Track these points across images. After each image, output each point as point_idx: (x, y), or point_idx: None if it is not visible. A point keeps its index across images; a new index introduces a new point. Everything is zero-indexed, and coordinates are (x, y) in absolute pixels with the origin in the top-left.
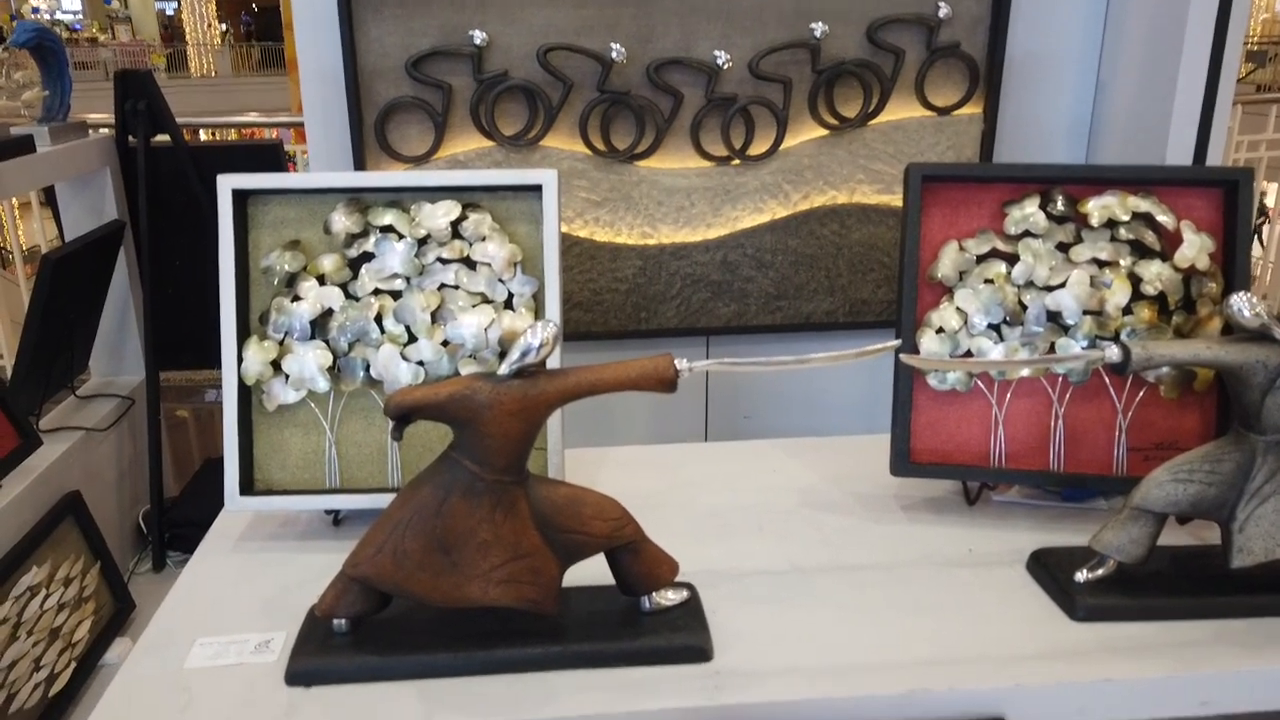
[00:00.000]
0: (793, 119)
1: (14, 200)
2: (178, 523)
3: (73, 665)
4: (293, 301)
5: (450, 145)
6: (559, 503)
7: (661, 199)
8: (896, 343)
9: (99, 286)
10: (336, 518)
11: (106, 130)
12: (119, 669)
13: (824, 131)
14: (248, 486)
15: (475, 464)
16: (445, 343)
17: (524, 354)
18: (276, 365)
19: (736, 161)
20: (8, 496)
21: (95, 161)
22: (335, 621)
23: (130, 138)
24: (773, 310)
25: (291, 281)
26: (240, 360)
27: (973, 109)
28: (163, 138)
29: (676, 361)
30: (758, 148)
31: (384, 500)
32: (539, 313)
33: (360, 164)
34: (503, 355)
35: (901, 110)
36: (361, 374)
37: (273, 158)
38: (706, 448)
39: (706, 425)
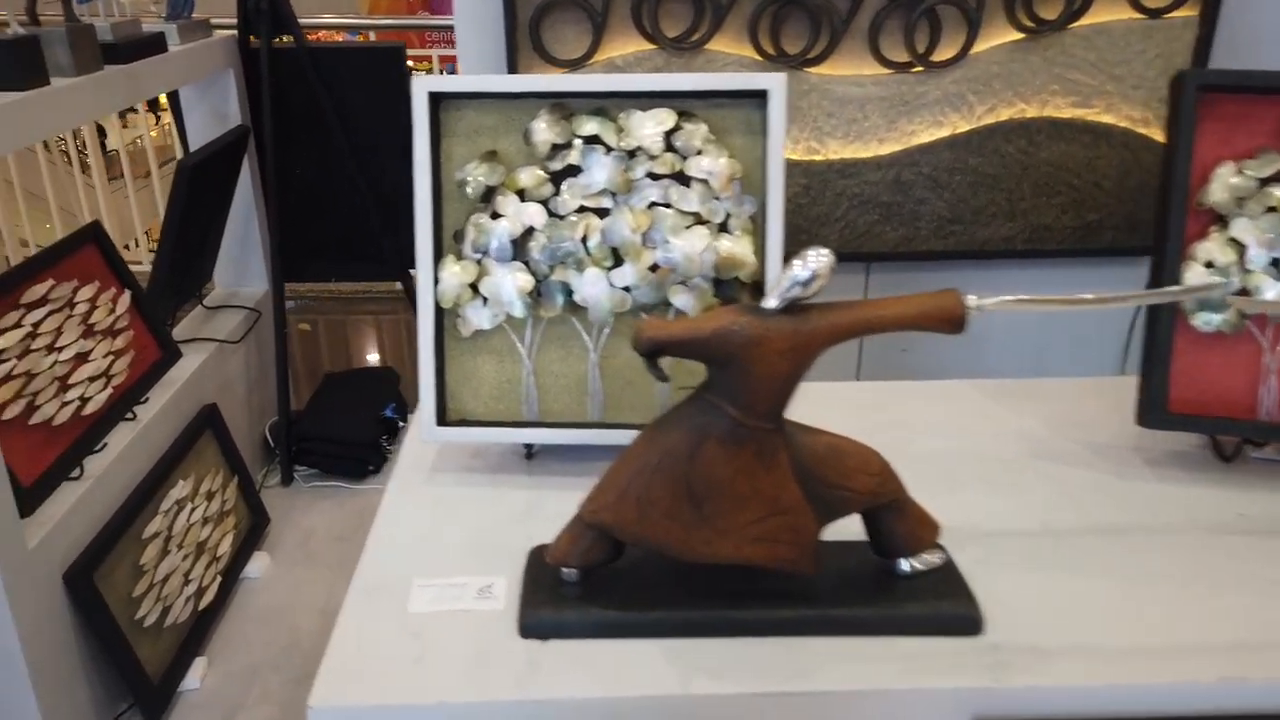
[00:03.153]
0: (985, 20)
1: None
2: (304, 437)
3: (218, 579)
4: (492, 218)
5: (608, 48)
6: (821, 453)
7: (832, 110)
8: (1222, 281)
9: (225, 195)
10: (530, 451)
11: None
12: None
13: (1018, 35)
14: (441, 416)
15: (736, 408)
16: (654, 267)
17: (795, 286)
18: (473, 288)
19: (918, 68)
20: (153, 409)
21: (219, 63)
22: (564, 570)
23: (252, 38)
24: (944, 235)
25: (488, 196)
26: (436, 281)
27: (1188, 11)
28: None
29: (965, 297)
30: (943, 53)
31: (582, 436)
32: (757, 235)
33: (512, 68)
34: (718, 282)
35: (1107, 11)
36: (561, 299)
37: (395, 61)
38: (901, 387)
39: (860, 360)
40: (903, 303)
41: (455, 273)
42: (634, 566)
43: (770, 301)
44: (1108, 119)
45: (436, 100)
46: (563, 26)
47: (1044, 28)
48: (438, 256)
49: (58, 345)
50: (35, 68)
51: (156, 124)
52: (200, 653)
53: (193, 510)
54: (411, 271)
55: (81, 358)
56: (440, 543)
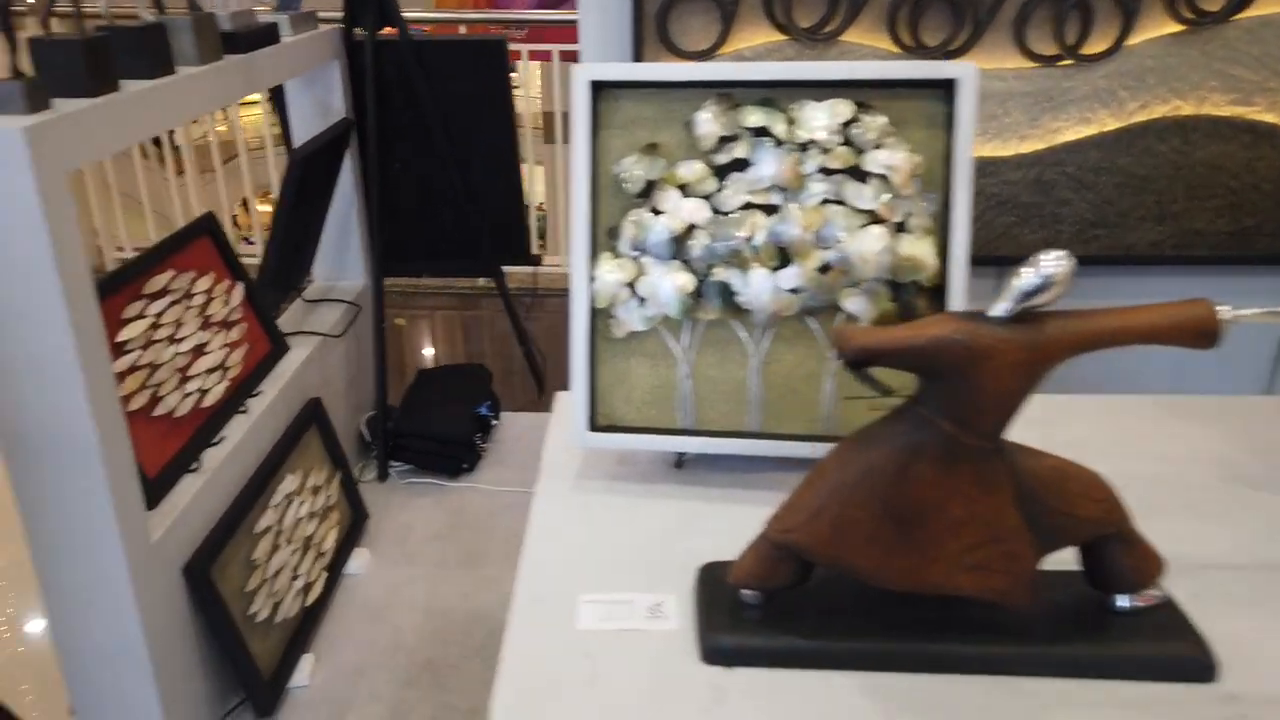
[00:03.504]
0: (1141, 11)
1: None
2: (400, 433)
3: (324, 575)
4: (652, 214)
5: (736, 39)
6: (1044, 476)
7: None
8: None
9: (329, 187)
10: (680, 460)
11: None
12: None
13: (1177, 27)
14: (592, 421)
15: (954, 424)
16: (824, 268)
17: (1030, 293)
18: (629, 287)
19: (1067, 61)
20: (264, 402)
21: (326, 55)
22: (745, 591)
23: (356, 30)
24: (1087, 240)
25: (646, 191)
26: (592, 279)
27: None
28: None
29: (1218, 308)
30: (1094, 45)
31: (740, 446)
32: (940, 236)
33: (638, 59)
34: (896, 286)
35: (1274, 2)
36: (721, 300)
37: (497, 55)
38: (1065, 402)
39: None
40: (1150, 312)
41: (612, 271)
42: (819, 590)
43: (998, 309)
44: (1270, 118)
45: (594, 91)
46: (690, 17)
47: (1205, 20)
48: (593, 254)
49: (178, 336)
50: (163, 56)
51: (224, 118)
52: (307, 649)
53: (300, 505)
54: (504, 268)
55: (200, 349)
56: (598, 555)
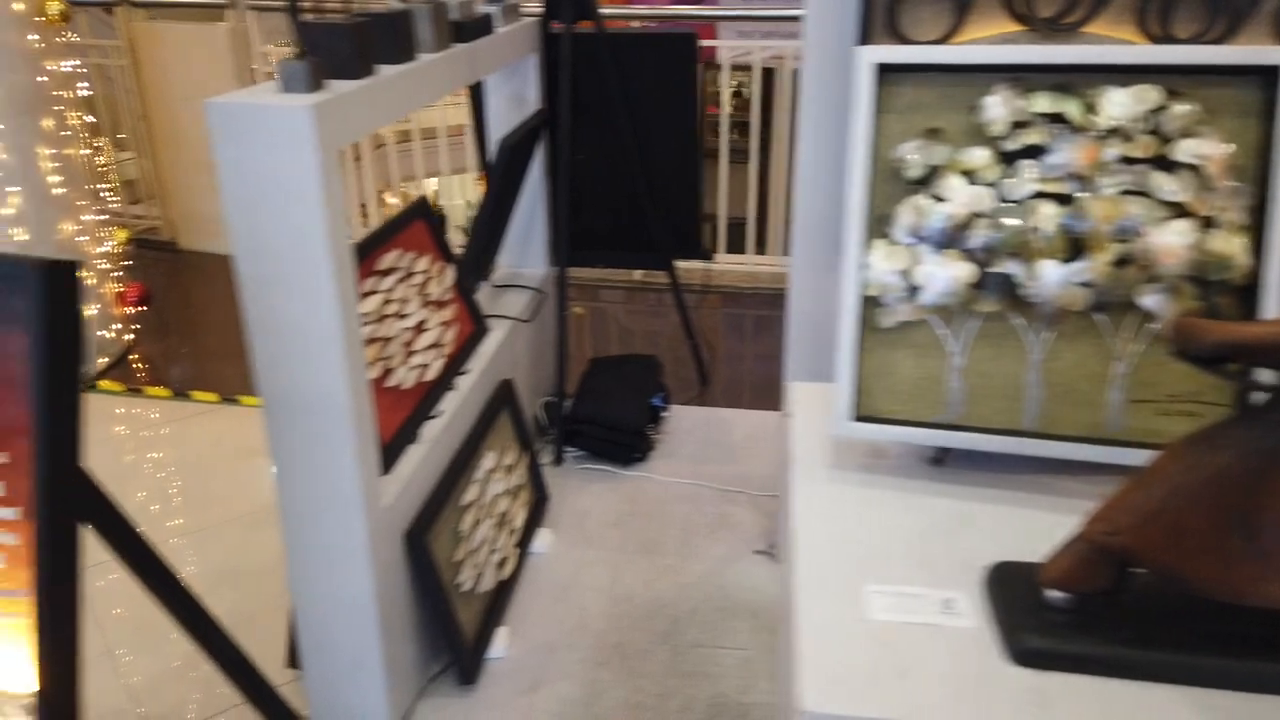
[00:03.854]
0: None
1: None
2: (577, 419)
3: (515, 552)
4: (933, 201)
5: (970, 29)
6: None
7: None
8: None
9: (523, 176)
10: (938, 456)
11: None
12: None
13: None
14: (853, 410)
15: None
16: (1121, 262)
17: None
18: (903, 275)
19: None
20: (469, 381)
21: (527, 46)
22: (1052, 594)
23: (553, 23)
24: None
25: (926, 177)
26: (864, 266)
27: None
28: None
29: None
30: None
31: (1015, 445)
32: (1255, 233)
33: None
34: (1201, 283)
35: None
36: (1001, 292)
37: (688, 49)
38: None
39: None
40: None
41: (885, 259)
42: (1132, 597)
43: None
44: None
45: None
46: (921, 6)
47: None
48: (865, 240)
49: (404, 313)
50: (408, 43)
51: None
52: (502, 623)
53: (497, 482)
54: (678, 262)
55: (420, 326)
56: (871, 546)
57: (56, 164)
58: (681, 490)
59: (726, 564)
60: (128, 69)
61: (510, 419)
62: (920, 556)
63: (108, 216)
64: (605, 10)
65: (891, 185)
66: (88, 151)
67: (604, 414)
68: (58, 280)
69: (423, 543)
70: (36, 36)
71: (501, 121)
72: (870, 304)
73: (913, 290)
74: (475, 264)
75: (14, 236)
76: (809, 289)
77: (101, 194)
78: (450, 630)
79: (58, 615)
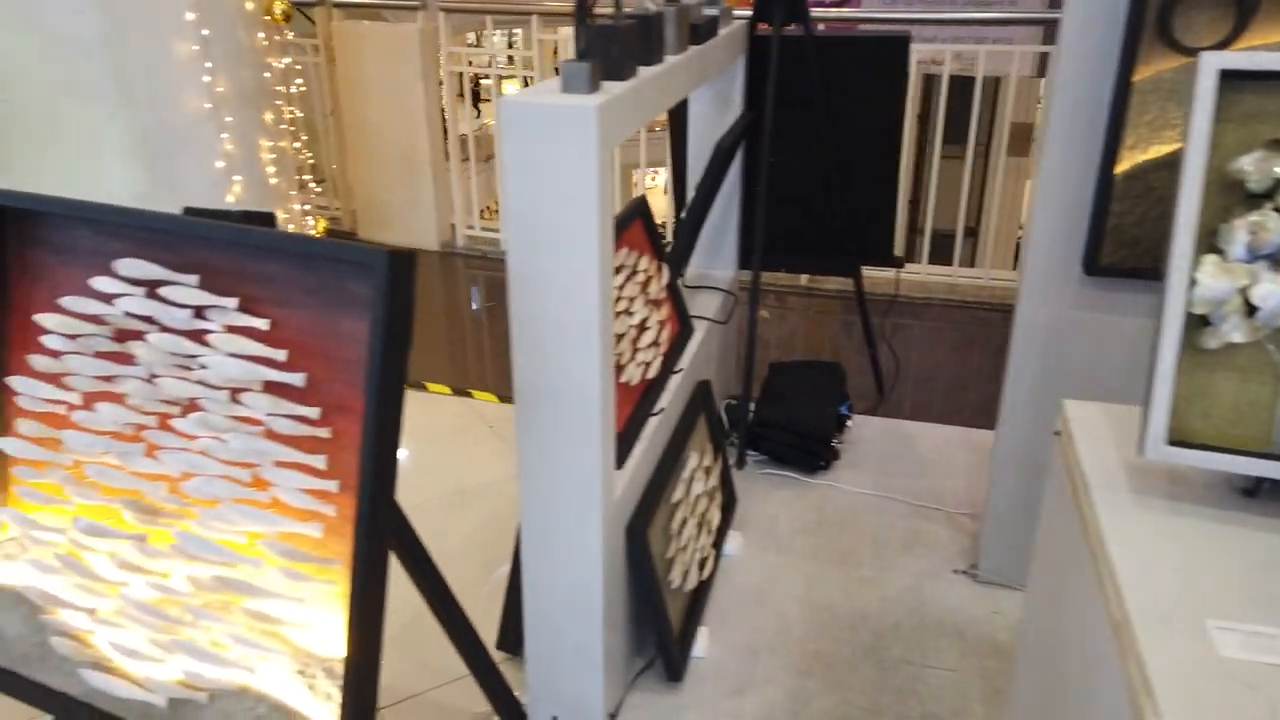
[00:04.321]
0: None
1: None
2: (763, 423)
3: (713, 552)
4: (1275, 215)
5: (1252, 35)
6: None
7: None
8: None
9: (723, 178)
10: (1250, 487)
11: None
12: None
13: None
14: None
15: None
16: None
17: None
18: (1240, 294)
19: None
20: (677, 380)
21: (738, 48)
22: None
23: (759, 24)
24: None
25: (1272, 192)
26: (1192, 283)
27: None
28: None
29: None
30: None
31: None
32: None
33: (1130, 59)
34: None
35: None
36: None
37: (899, 51)
38: None
39: None
40: None
41: (1217, 276)
42: None
43: None
44: None
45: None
46: (1196, 11)
47: None
48: (1195, 256)
49: (630, 310)
50: (659, 45)
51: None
52: (702, 622)
53: (698, 482)
54: (865, 269)
55: (643, 324)
56: (1200, 579)
57: (273, 155)
58: (870, 502)
59: (925, 580)
60: (322, 66)
61: (706, 420)
62: (1257, 593)
63: (310, 207)
64: (815, 13)
65: (1223, 198)
66: (297, 145)
67: (791, 419)
68: (401, 270)
69: (643, 537)
70: (263, 34)
71: (703, 124)
72: (1195, 323)
73: (1251, 309)
74: (677, 264)
75: None
76: (1041, 303)
77: (307, 184)
78: (661, 625)
79: (372, 585)
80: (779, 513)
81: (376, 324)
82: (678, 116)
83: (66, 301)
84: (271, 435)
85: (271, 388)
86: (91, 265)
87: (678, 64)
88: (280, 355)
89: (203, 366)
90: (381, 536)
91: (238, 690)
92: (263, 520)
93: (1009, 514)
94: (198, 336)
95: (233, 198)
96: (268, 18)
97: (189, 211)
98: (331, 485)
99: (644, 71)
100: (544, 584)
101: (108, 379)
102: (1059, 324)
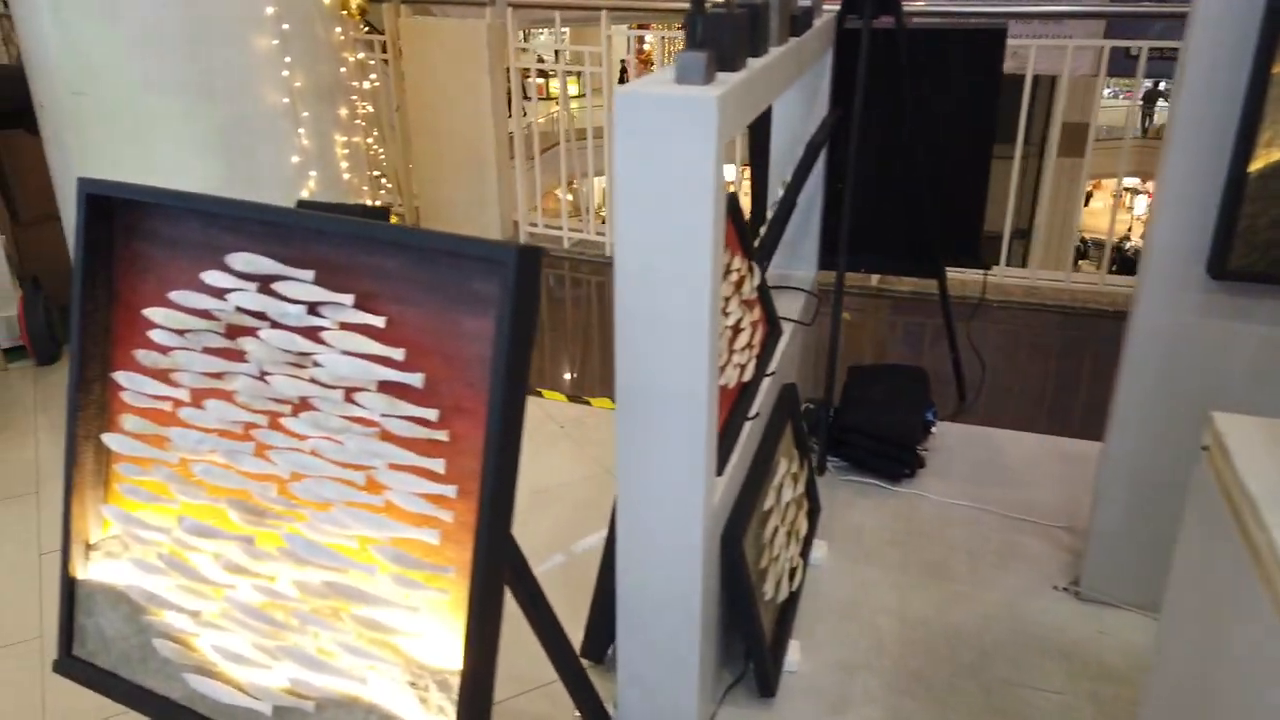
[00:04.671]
0: None
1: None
2: (846, 428)
3: (800, 563)
4: None
5: None
6: None
7: None
8: None
9: (808, 175)
10: None
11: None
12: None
13: None
14: None
15: None
16: None
17: None
18: None
19: None
20: (766, 384)
21: (827, 42)
22: None
23: (847, 18)
24: None
25: None
26: None
27: None
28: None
29: None
30: None
31: None
32: None
33: (1268, 48)
34: None
35: None
36: None
37: (995, 46)
38: None
39: None
40: None
41: None
42: None
43: None
44: None
45: None
46: None
47: None
48: None
49: (726, 310)
50: (764, 36)
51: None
52: (793, 635)
53: (787, 488)
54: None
55: (737, 326)
56: None
57: (346, 151)
58: (960, 512)
59: (1024, 597)
60: (389, 61)
61: (793, 425)
62: None
63: (381, 203)
64: (907, 6)
65: None
66: (370, 140)
67: (875, 425)
68: (528, 266)
69: (739, 546)
70: (340, 29)
71: (789, 120)
72: None
73: None
74: (762, 264)
75: None
76: (1160, 308)
77: (379, 180)
78: (755, 638)
79: (490, 594)
80: (865, 521)
81: (503, 322)
82: (764, 114)
83: (176, 296)
84: (386, 437)
85: (387, 387)
86: (202, 259)
87: (781, 56)
88: (398, 354)
89: (316, 364)
90: (503, 544)
91: (347, 700)
92: (376, 525)
93: (1117, 530)
94: (311, 333)
95: (307, 193)
96: (344, 12)
97: (301, 205)
98: (449, 490)
99: (753, 63)
100: (639, 592)
101: (217, 375)
102: (1179, 331)
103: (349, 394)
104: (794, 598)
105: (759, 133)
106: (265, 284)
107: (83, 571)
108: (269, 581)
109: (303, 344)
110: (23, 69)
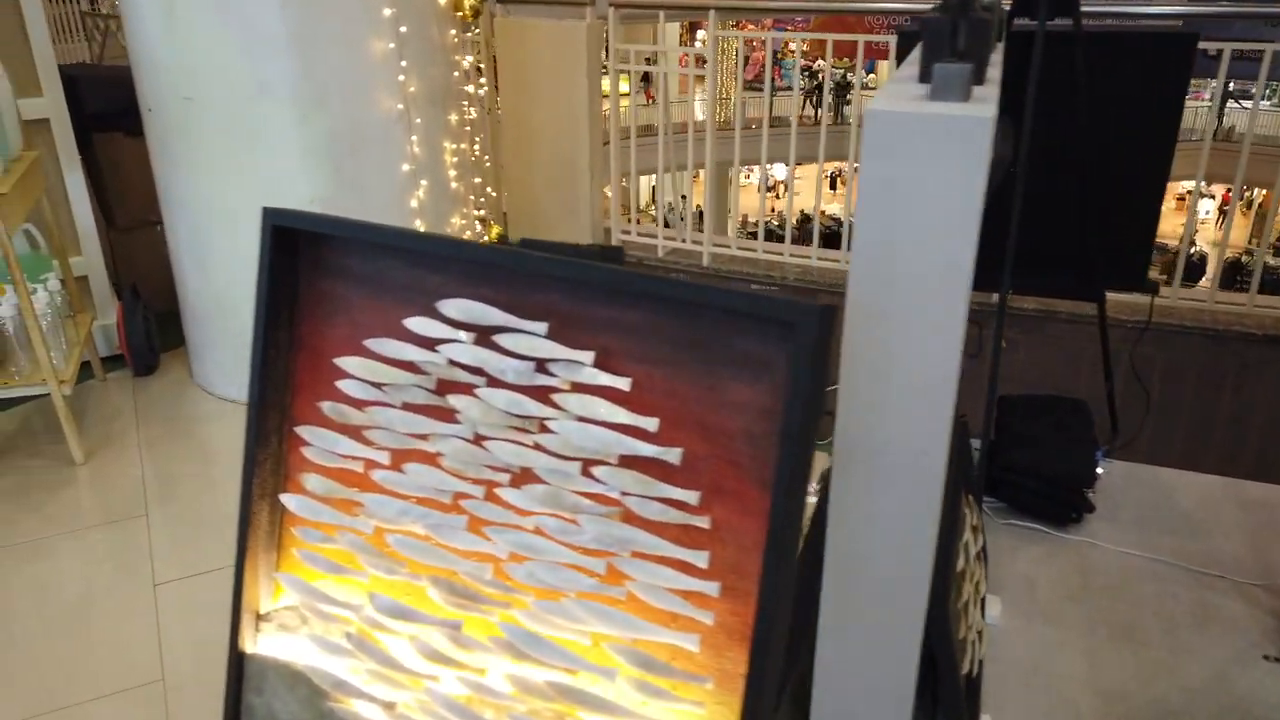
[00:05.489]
0: None
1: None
2: (1008, 467)
3: (984, 626)
4: None
5: None
6: None
7: None
8: None
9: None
10: None
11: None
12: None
13: None
14: None
15: None
16: None
17: None
18: None
19: None
20: None
21: (992, 44)
22: None
23: (1015, 19)
24: None
25: None
26: None
27: None
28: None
29: None
30: None
31: None
32: None
33: None
34: None
35: None
36: None
37: (1184, 52)
38: None
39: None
40: None
41: None
42: None
43: None
44: None
45: None
46: None
47: None
48: None
49: None
50: (990, 42)
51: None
52: (982, 709)
53: (972, 544)
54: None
55: None
56: None
57: (455, 159)
58: (1139, 565)
59: (1232, 667)
60: (485, 63)
61: (963, 466)
62: None
63: (485, 212)
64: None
65: None
66: (476, 146)
67: (1042, 464)
68: (824, 328)
69: (946, 621)
70: (454, 31)
71: None
72: None
73: None
74: None
75: (416, 227)
76: None
77: (486, 189)
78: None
79: (762, 712)
80: (1035, 573)
81: (796, 396)
82: None
83: (373, 344)
84: (630, 518)
85: (631, 461)
86: (407, 302)
87: (996, 63)
88: (649, 424)
89: (547, 430)
90: (783, 651)
91: None
92: (616, 621)
93: None
94: (541, 394)
95: (416, 202)
96: (458, 14)
97: (524, 245)
98: (709, 587)
99: (991, 74)
100: (844, 674)
101: (420, 436)
102: None
103: (586, 467)
104: (980, 666)
105: None
106: (484, 335)
107: (252, 645)
108: (477, 675)
109: (531, 406)
110: (119, 71)
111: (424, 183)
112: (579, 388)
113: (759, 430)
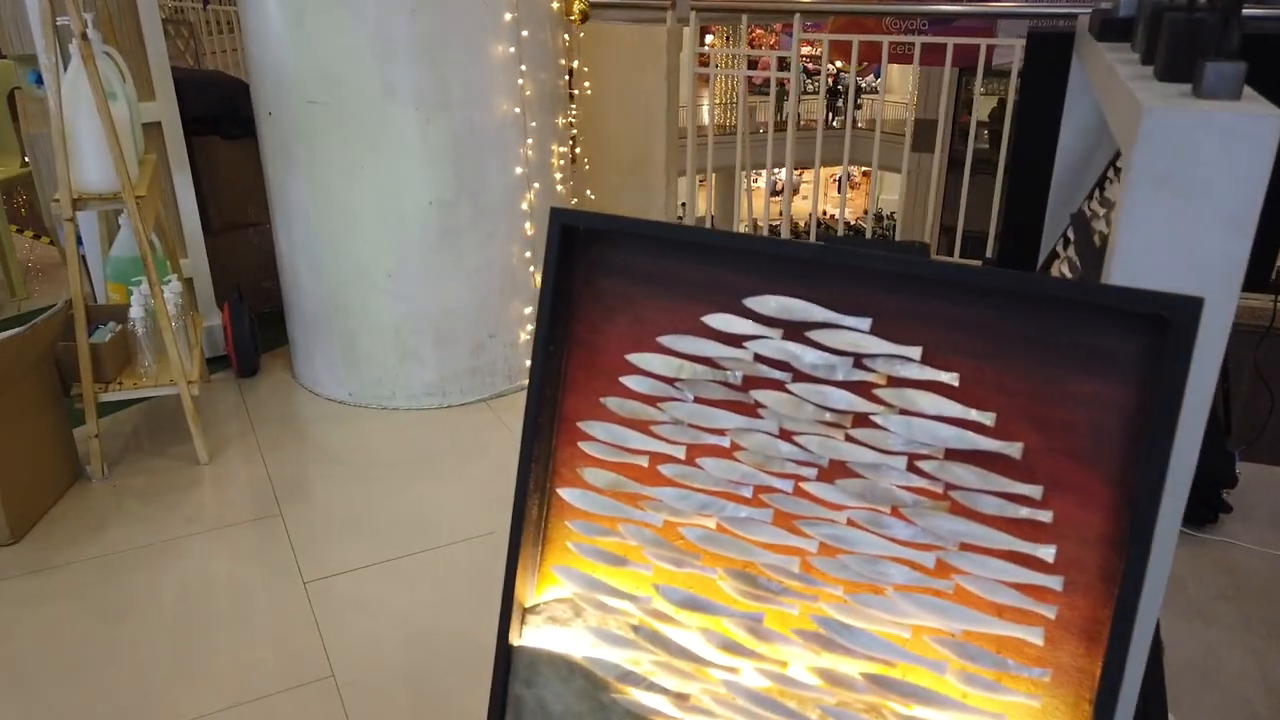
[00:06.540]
0: None
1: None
2: None
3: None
4: None
5: None
6: None
7: None
8: None
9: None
10: None
11: None
12: None
13: None
14: None
15: None
16: None
17: None
18: None
19: None
20: None
21: None
22: None
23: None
24: None
25: None
26: None
27: None
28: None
29: None
30: None
31: None
32: None
33: None
34: None
35: None
36: None
37: None
38: None
39: None
40: None
41: None
42: None
43: None
44: None
45: None
46: None
47: None
48: None
49: None
50: None
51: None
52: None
53: None
54: None
55: None
56: None
57: (561, 162)
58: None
59: None
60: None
61: None
62: None
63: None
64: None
65: None
66: (577, 149)
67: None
68: (1197, 319)
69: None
70: (566, 35)
71: (1082, 128)
72: None
73: None
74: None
75: (525, 231)
76: None
77: (585, 193)
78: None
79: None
80: (1183, 573)
81: (1168, 389)
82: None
83: (667, 340)
84: (959, 511)
85: (960, 455)
86: (703, 299)
87: None
88: (985, 418)
89: (860, 424)
90: (1128, 655)
91: None
92: (945, 613)
93: None
94: (859, 389)
95: (526, 205)
96: (570, 18)
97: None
98: (1053, 581)
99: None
100: None
101: (718, 431)
102: None
103: (912, 461)
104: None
105: (1030, 142)
106: (793, 331)
107: (518, 637)
108: (778, 668)
109: (849, 401)
110: (217, 76)
111: (536, 185)
112: (899, 382)
113: (1106, 424)
